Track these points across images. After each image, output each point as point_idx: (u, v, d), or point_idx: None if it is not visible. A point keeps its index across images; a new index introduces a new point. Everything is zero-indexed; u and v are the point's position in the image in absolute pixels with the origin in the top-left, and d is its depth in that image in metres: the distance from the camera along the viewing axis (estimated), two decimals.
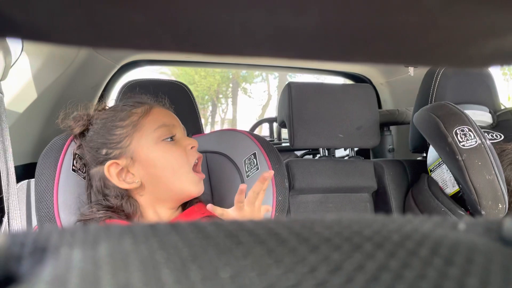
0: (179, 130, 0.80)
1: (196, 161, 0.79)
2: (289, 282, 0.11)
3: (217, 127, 10.80)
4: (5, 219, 0.80)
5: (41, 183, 0.75)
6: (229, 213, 0.71)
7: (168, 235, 0.14)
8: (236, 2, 0.12)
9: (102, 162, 0.75)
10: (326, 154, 1.50)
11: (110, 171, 0.74)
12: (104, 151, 0.75)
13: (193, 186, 0.77)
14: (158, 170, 0.75)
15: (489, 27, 0.14)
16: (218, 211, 0.71)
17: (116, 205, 0.74)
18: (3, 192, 0.80)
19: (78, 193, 0.77)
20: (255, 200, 0.70)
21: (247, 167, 0.88)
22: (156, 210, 0.78)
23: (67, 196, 0.76)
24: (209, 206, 0.71)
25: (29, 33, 0.13)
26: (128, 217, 0.75)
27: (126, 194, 0.76)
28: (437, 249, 0.14)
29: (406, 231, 0.16)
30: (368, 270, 0.12)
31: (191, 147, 0.78)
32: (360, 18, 0.13)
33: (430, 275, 0.12)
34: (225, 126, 10.62)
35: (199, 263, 0.12)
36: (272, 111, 10.56)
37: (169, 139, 0.76)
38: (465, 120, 1.06)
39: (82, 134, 0.80)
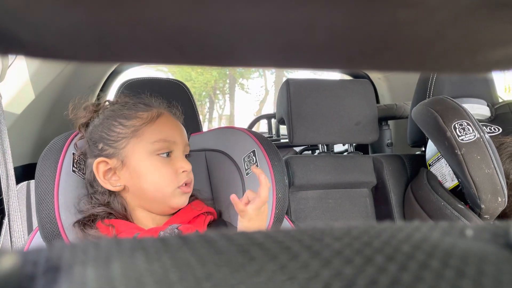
0: (179, 148, 0.77)
1: (185, 185, 0.76)
2: None
3: (215, 124, 10.78)
4: (5, 221, 0.80)
5: (41, 185, 0.74)
6: (241, 223, 0.69)
7: (179, 251, 0.14)
8: (245, 17, 0.12)
9: (96, 156, 0.74)
10: (325, 150, 1.50)
11: (98, 167, 0.73)
12: (100, 146, 0.74)
13: (176, 199, 0.75)
14: (142, 183, 0.73)
15: (498, 37, 0.14)
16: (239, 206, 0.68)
17: (104, 202, 0.74)
18: (3, 193, 0.79)
19: (78, 193, 0.77)
20: (262, 205, 0.68)
21: (247, 165, 0.88)
22: (145, 212, 0.77)
23: (68, 197, 0.75)
24: (233, 197, 0.68)
25: (37, 52, 0.13)
26: (121, 215, 0.75)
27: (112, 192, 0.75)
28: (448, 260, 0.14)
29: (416, 241, 0.16)
30: (381, 285, 0.12)
31: (183, 171, 0.75)
32: (369, 31, 0.13)
33: None
34: (223, 122, 10.60)
35: (214, 282, 0.12)
36: (269, 107, 10.53)
37: (164, 155, 0.74)
38: (464, 114, 1.06)
39: (86, 125, 0.79)
